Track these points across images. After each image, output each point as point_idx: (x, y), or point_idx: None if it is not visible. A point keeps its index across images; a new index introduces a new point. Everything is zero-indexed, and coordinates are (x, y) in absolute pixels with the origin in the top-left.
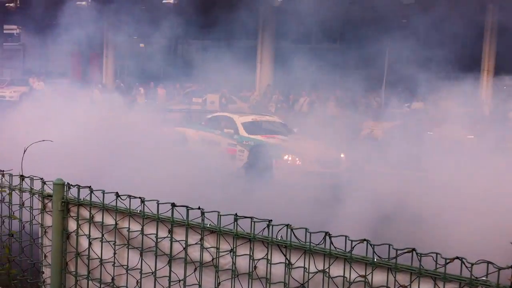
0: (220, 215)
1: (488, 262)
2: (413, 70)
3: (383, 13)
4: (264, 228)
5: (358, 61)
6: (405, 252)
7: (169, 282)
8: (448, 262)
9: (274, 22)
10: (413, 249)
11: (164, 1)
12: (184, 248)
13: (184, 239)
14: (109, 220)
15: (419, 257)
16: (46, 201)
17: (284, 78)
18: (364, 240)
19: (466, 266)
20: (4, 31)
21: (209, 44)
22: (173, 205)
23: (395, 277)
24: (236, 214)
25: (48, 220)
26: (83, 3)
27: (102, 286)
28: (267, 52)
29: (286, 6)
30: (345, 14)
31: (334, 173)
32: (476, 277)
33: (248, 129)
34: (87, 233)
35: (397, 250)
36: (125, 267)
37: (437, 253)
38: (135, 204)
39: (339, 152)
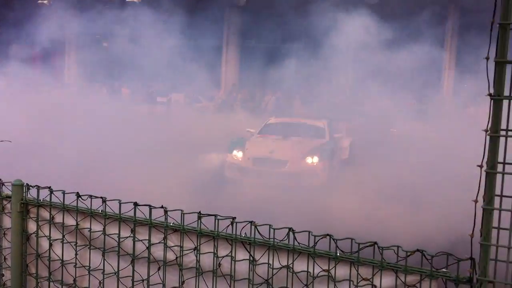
0: (184, 213)
1: (448, 254)
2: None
3: (345, 11)
4: (228, 226)
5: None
6: (367, 246)
7: (133, 282)
8: (409, 255)
9: (240, 22)
10: (375, 243)
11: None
12: (147, 248)
13: (147, 238)
14: (70, 221)
15: (380, 251)
16: (4, 202)
17: (249, 77)
18: (327, 235)
19: (427, 258)
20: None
21: (174, 43)
22: (136, 204)
23: (357, 271)
24: (199, 212)
25: (7, 222)
26: (45, 1)
27: (63, 287)
28: (232, 51)
29: (251, 6)
30: (308, 13)
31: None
32: (437, 269)
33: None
34: (47, 234)
35: (359, 244)
36: (87, 267)
37: (398, 246)
38: (97, 204)
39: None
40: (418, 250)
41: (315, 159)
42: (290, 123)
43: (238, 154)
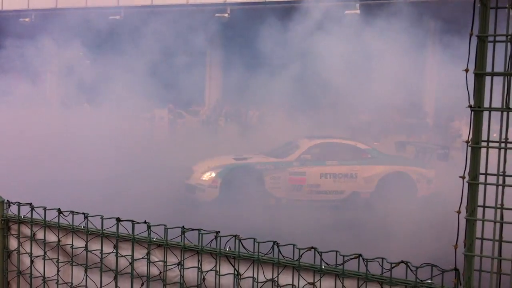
0: (167, 228)
1: (433, 265)
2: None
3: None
4: (212, 240)
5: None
6: (352, 258)
7: None
8: (394, 267)
9: (223, 37)
10: (360, 255)
11: (110, 17)
12: (130, 263)
13: (130, 253)
14: (52, 237)
15: (365, 263)
16: None
17: (233, 92)
18: (312, 248)
19: (411, 270)
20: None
21: (157, 59)
22: (118, 219)
23: (342, 283)
24: (183, 226)
25: None
26: (26, 19)
27: None
28: (216, 67)
29: (234, 21)
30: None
31: None
32: (421, 280)
33: None
34: (29, 251)
35: (344, 256)
36: (70, 284)
37: (382, 258)
38: (79, 220)
39: None
40: (402, 262)
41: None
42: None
43: None
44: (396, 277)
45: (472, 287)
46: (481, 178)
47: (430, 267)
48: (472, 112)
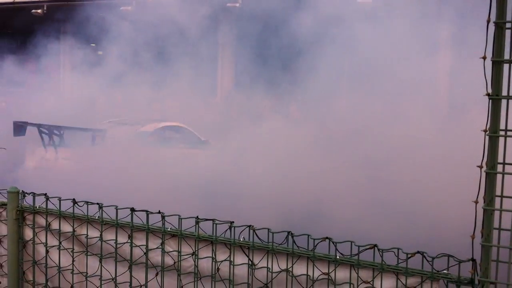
0: (181, 219)
1: (449, 256)
2: None
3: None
4: (226, 230)
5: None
6: (367, 249)
7: None
8: (410, 257)
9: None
10: (375, 245)
11: (121, 8)
12: (144, 253)
13: (145, 243)
14: (67, 227)
15: (380, 253)
16: (0, 210)
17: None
18: (326, 238)
19: (427, 260)
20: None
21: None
22: (132, 210)
23: (358, 274)
24: (197, 216)
25: (3, 229)
26: (39, 11)
27: None
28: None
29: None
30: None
31: None
32: (438, 271)
33: None
34: (44, 241)
35: (359, 247)
36: (85, 274)
37: (398, 249)
38: (94, 211)
39: None
40: (418, 252)
41: None
42: None
43: None
44: (411, 267)
45: (489, 277)
46: (499, 168)
47: (446, 257)
48: (490, 100)
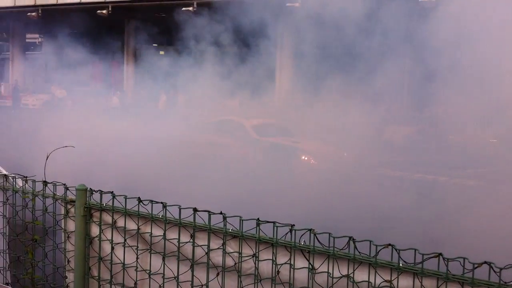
0: (242, 220)
1: None
2: None
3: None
4: (287, 233)
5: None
6: (432, 257)
7: (192, 287)
8: (476, 267)
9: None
10: (440, 254)
11: (183, 8)
12: (206, 253)
13: (206, 243)
14: (132, 225)
15: (446, 262)
16: (69, 206)
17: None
18: (389, 245)
19: (495, 271)
20: (26, 40)
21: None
22: (195, 210)
23: (421, 282)
24: (258, 218)
25: (71, 225)
26: (104, 11)
27: None
28: (286, 59)
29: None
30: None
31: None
32: (505, 282)
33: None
34: (109, 238)
35: (423, 255)
36: (148, 271)
37: (464, 258)
38: (157, 209)
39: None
40: (485, 262)
41: None
42: None
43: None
44: (478, 278)
45: None
46: None
47: None
48: None
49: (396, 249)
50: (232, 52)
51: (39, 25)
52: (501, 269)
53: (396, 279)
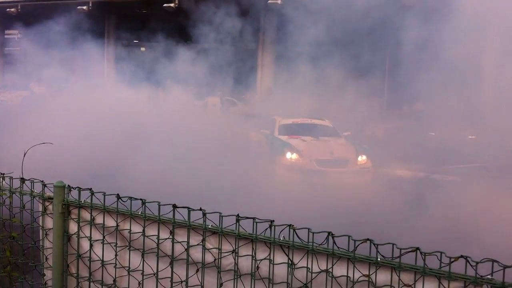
0: (222, 216)
1: (493, 261)
2: None
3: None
4: (266, 229)
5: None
6: (409, 252)
7: (171, 283)
8: (453, 261)
9: (274, 26)
10: (417, 248)
11: (164, 5)
12: (186, 249)
13: (186, 240)
14: (110, 222)
15: (423, 256)
16: (46, 203)
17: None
18: (368, 239)
19: (471, 265)
20: (5, 36)
21: (208, 47)
22: (175, 206)
23: (399, 277)
24: (238, 215)
25: (49, 223)
26: (84, 7)
27: (103, 287)
28: (268, 55)
29: (286, 10)
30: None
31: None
32: (481, 276)
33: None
34: (88, 235)
35: (401, 249)
36: (127, 268)
37: (441, 252)
38: (137, 206)
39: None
40: (462, 256)
41: (364, 158)
42: (302, 124)
43: (293, 156)
44: (455, 272)
45: None
46: None
47: (490, 262)
48: None
49: (374, 244)
50: (214, 48)
51: (18, 21)
52: (477, 263)
53: (374, 273)
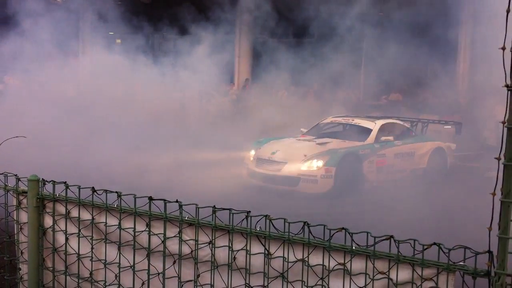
0: (198, 208)
1: (465, 247)
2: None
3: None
4: (243, 220)
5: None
6: (383, 240)
7: (148, 276)
8: (426, 248)
9: (252, 16)
10: (391, 236)
11: None
12: (162, 241)
13: (162, 232)
14: (86, 215)
15: (397, 244)
16: (21, 197)
17: (262, 72)
18: (342, 228)
19: (444, 252)
20: None
21: (188, 39)
22: (150, 198)
23: (373, 264)
24: (214, 206)
25: (24, 217)
26: None
27: (80, 281)
28: (245, 46)
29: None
30: (322, 8)
31: None
32: (454, 262)
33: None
34: (63, 228)
35: (375, 237)
36: (103, 261)
37: (414, 240)
38: (112, 199)
39: None
40: (435, 244)
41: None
42: (340, 123)
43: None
44: (428, 259)
45: (506, 269)
46: None
47: (463, 249)
48: (509, 91)
49: (349, 233)
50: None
51: None
52: (449, 249)
53: (350, 261)
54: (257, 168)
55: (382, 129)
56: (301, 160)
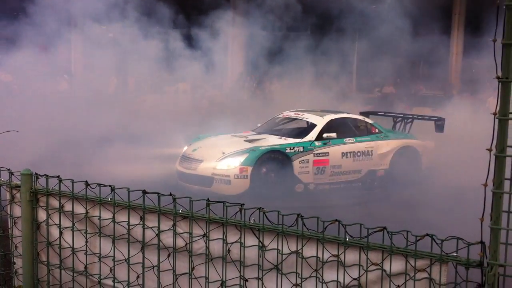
0: (192, 201)
1: (458, 238)
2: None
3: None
4: (237, 212)
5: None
6: (376, 231)
7: (143, 269)
8: (419, 239)
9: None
10: (384, 228)
11: None
12: (156, 235)
13: (157, 225)
14: (80, 209)
15: (390, 236)
16: (14, 191)
17: (255, 65)
18: (336, 220)
19: (437, 243)
20: None
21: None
22: (144, 192)
23: (367, 256)
24: (208, 199)
25: (17, 211)
26: None
27: (74, 274)
28: (238, 39)
29: None
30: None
31: None
32: (447, 253)
33: None
34: (57, 222)
35: (368, 229)
36: (98, 255)
37: (407, 231)
38: (106, 192)
39: None
40: (427, 235)
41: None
42: (291, 118)
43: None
44: (421, 250)
45: (498, 260)
46: (509, 151)
47: (455, 240)
48: (500, 83)
49: (342, 225)
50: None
51: None
52: (442, 240)
53: (343, 253)
54: (179, 166)
55: (330, 125)
56: (217, 159)
